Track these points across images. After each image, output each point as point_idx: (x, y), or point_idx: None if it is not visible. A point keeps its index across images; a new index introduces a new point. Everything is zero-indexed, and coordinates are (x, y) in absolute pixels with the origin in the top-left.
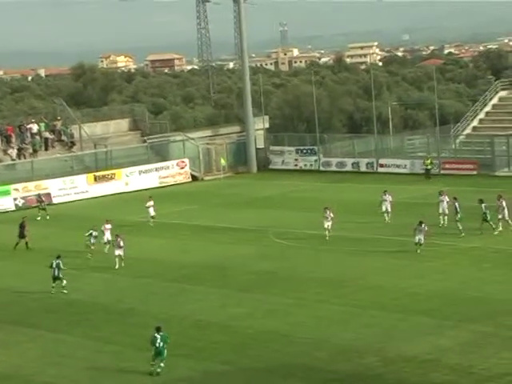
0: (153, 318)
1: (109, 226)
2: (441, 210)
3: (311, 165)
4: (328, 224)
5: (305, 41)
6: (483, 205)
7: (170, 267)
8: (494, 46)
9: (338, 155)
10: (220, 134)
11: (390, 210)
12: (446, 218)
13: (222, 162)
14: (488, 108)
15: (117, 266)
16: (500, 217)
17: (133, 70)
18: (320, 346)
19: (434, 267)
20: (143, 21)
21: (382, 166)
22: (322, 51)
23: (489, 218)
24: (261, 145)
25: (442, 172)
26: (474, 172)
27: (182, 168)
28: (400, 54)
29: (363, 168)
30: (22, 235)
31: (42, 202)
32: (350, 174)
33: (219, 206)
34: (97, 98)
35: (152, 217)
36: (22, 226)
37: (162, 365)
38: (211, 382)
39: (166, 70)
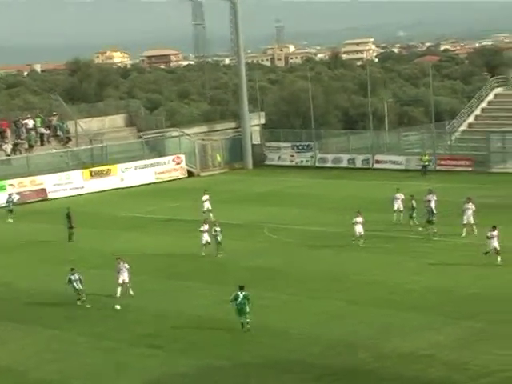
0: (148, 315)
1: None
2: (433, 207)
3: (307, 161)
4: (360, 230)
5: (301, 37)
6: (413, 201)
7: (166, 263)
8: (490, 43)
9: (333, 151)
10: (216, 130)
11: (402, 208)
12: (434, 216)
13: (218, 157)
14: (483, 104)
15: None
16: (465, 222)
17: (129, 66)
18: (315, 342)
19: (430, 263)
20: (140, 16)
21: (377, 162)
22: (318, 47)
23: (414, 215)
24: (257, 141)
25: (438, 168)
26: (470, 168)
27: (178, 164)
28: (396, 50)
29: (359, 164)
30: (70, 226)
31: (11, 202)
32: (345, 170)
33: (215, 202)
34: (92, 93)
35: (209, 210)
36: (68, 217)
37: (247, 320)
38: (207, 377)
39: (162, 66)
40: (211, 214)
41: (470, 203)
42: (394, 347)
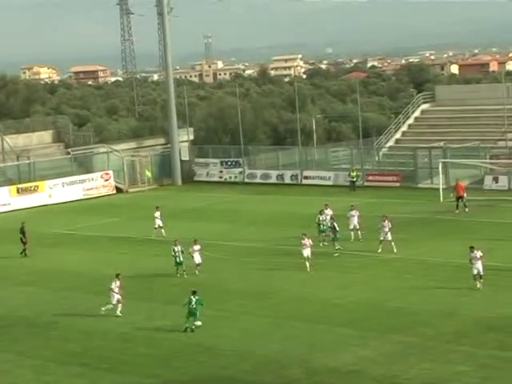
0: (76, 331)
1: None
2: (352, 226)
3: (236, 177)
4: (307, 252)
5: (229, 53)
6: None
7: (94, 280)
8: (416, 60)
9: (262, 167)
10: (145, 146)
11: (358, 226)
12: (358, 232)
13: (147, 173)
14: (410, 121)
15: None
16: (381, 238)
17: (56, 82)
18: (245, 358)
19: (358, 278)
20: (67, 32)
21: (306, 177)
22: (247, 63)
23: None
24: (185, 157)
25: (366, 184)
26: (397, 184)
27: (107, 180)
28: (324, 66)
29: (288, 180)
30: (24, 241)
31: None
32: (274, 186)
33: (144, 219)
34: (19, 109)
35: (160, 227)
36: (22, 232)
37: (197, 323)
38: None
39: (90, 82)
40: (163, 231)
41: (386, 221)
42: (323, 363)
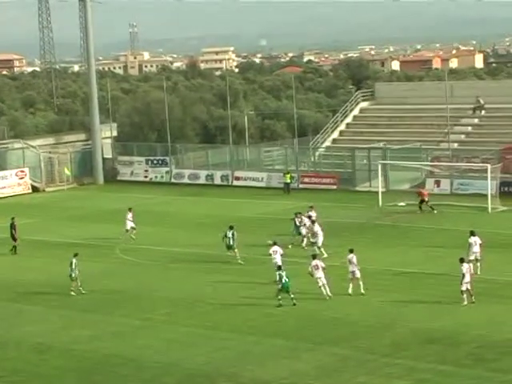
0: None
1: None
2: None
3: (162, 176)
4: (321, 277)
5: (156, 44)
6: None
7: (6, 286)
8: (355, 55)
9: (190, 167)
10: (64, 142)
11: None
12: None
13: (66, 172)
14: (349, 119)
15: None
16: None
17: None
18: (169, 371)
19: (290, 286)
20: None
21: (237, 178)
22: (175, 55)
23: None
24: (108, 154)
25: (301, 186)
26: (334, 186)
27: (22, 178)
28: (257, 60)
29: (218, 181)
30: (14, 238)
31: None
32: (203, 186)
33: (62, 220)
34: None
35: (133, 228)
36: (12, 227)
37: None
38: None
39: (4, 72)
40: (134, 232)
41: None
42: (253, 376)
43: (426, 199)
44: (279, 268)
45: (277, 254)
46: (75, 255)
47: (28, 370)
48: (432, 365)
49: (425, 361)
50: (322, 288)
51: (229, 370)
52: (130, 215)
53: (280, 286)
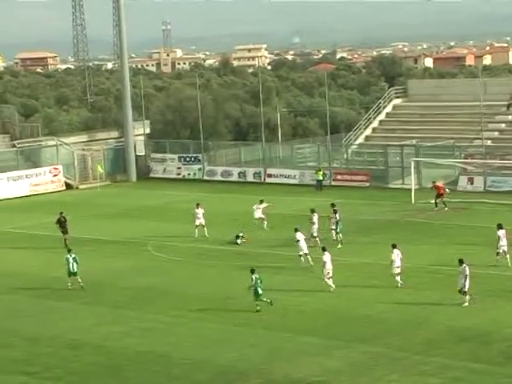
0: (20, 338)
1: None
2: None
3: (195, 174)
4: (331, 268)
5: (189, 41)
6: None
7: (40, 282)
8: (388, 52)
9: (223, 164)
10: (97, 140)
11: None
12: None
13: (99, 169)
14: (381, 116)
15: None
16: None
17: (1, 69)
18: (201, 368)
19: (322, 284)
20: (14, 16)
21: (269, 176)
22: (208, 53)
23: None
24: (141, 152)
25: (334, 183)
26: (367, 184)
27: (56, 175)
28: (290, 57)
29: (250, 178)
30: (65, 231)
31: None
32: (235, 183)
33: (95, 217)
34: None
35: (202, 225)
36: (61, 221)
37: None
38: None
39: (39, 69)
40: (205, 229)
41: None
42: (285, 373)
43: (442, 193)
44: (253, 271)
45: (301, 241)
46: (69, 251)
47: (62, 366)
48: (464, 363)
49: (457, 359)
50: (331, 280)
51: (261, 366)
52: (199, 210)
53: (253, 289)
